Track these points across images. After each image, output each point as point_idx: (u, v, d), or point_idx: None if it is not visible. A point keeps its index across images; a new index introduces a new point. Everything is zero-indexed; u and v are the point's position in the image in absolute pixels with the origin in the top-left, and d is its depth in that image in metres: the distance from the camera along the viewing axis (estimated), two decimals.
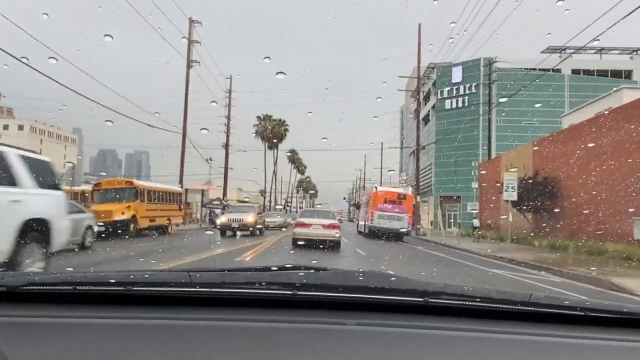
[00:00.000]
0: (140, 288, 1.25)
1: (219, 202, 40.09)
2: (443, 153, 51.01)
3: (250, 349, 1.04)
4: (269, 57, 21.89)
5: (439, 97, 53.26)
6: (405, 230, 25.49)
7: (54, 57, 14.45)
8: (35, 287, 1.27)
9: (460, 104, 50.62)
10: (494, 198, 27.83)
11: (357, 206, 44.80)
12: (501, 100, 37.15)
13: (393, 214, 25.30)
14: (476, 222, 27.82)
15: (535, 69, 34.61)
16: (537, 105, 42.03)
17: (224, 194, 43.18)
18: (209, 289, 1.26)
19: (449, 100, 52.04)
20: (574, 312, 1.26)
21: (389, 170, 63.37)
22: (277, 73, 13.10)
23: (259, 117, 65.82)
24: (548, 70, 34.76)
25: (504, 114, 46.04)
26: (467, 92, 50.07)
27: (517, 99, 37.89)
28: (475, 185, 33.74)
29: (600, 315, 1.27)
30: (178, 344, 1.05)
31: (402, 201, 25.87)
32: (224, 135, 42.26)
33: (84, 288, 1.27)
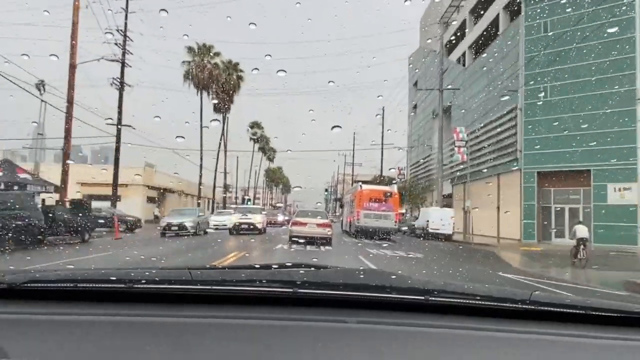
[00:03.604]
0: (141, 285, 1.25)
1: (26, 178, 19.50)
2: (543, 86, 25.22)
3: (250, 346, 1.04)
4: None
5: None
6: (396, 227, 25.67)
7: None
8: (36, 284, 1.27)
9: None
10: None
11: (340, 202, 42.97)
12: None
13: (380, 213, 25.28)
14: (583, 231, 14.39)
15: None
16: None
17: (64, 169, 20.10)
18: (209, 287, 1.26)
19: None
20: (575, 311, 1.26)
21: (390, 169, 50.81)
22: (278, 71, 12.50)
23: (189, 48, 37.67)
24: None
25: None
26: None
27: None
28: None
29: (601, 314, 1.26)
30: (179, 341, 1.05)
31: (388, 199, 25.79)
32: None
33: (85, 285, 1.28)
